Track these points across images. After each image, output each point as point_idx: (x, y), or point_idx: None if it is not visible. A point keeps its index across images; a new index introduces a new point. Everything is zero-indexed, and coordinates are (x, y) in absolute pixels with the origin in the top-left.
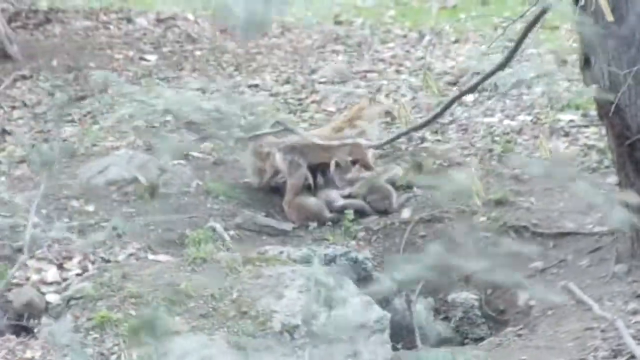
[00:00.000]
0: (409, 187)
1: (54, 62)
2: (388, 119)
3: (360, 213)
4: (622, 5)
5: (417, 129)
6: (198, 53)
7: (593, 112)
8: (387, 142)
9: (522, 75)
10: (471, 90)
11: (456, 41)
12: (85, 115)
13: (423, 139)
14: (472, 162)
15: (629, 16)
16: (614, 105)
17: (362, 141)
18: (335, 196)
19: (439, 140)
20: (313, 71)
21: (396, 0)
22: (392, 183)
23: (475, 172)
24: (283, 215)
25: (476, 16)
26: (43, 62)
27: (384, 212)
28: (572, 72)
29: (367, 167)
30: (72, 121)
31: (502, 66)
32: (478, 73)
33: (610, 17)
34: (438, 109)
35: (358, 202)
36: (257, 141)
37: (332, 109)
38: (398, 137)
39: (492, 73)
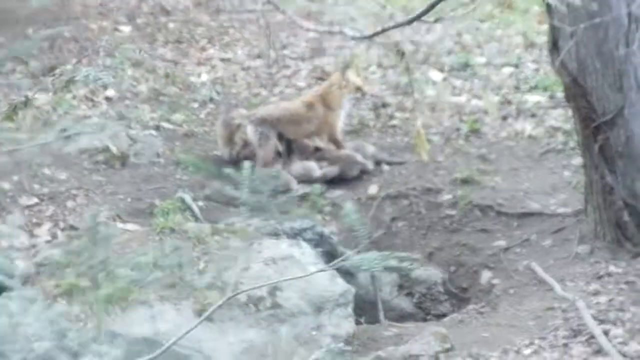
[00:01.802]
0: (377, 163)
1: (30, 31)
2: (358, 95)
3: (334, 182)
4: None
5: (397, 26)
6: (171, 25)
7: (560, 94)
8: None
9: (491, 56)
10: None
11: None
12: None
13: (391, 117)
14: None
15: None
16: (580, 88)
17: None
18: (313, 166)
19: (407, 119)
20: (284, 46)
21: None
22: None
23: (420, 125)
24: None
25: None
26: (19, 30)
27: (358, 177)
28: (540, 54)
29: (336, 143)
30: (46, 90)
31: None
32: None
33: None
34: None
35: (334, 170)
36: (228, 113)
37: (302, 84)
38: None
39: None
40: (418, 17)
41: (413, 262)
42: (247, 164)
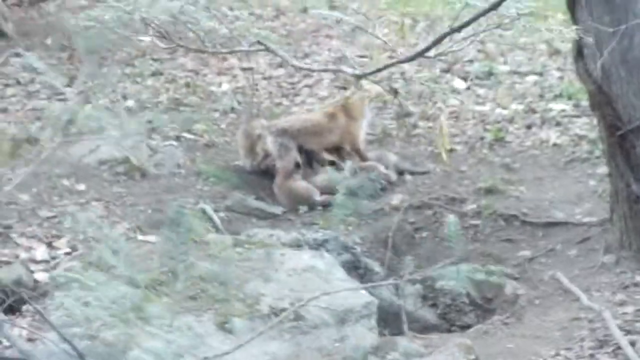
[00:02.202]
0: (400, 173)
1: (49, 41)
2: (380, 104)
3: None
4: None
5: (402, 62)
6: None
7: (585, 103)
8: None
9: (515, 64)
10: (464, 26)
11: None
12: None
13: (415, 126)
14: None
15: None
16: (605, 96)
17: None
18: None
19: (430, 128)
20: (306, 55)
21: None
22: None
23: (444, 121)
24: (273, 199)
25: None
26: (37, 40)
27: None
28: (564, 62)
29: (358, 153)
30: (65, 100)
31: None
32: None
33: None
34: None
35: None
36: (249, 123)
37: (324, 93)
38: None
39: (487, 11)
40: (421, 54)
41: (502, 276)
42: (349, 164)
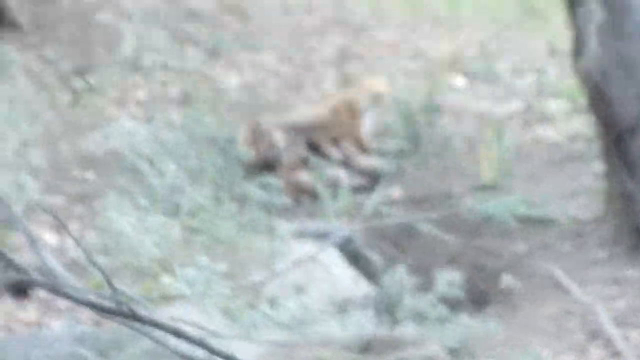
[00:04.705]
0: (401, 167)
1: (61, 33)
2: (379, 102)
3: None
4: None
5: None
6: (201, 29)
7: (582, 101)
8: None
9: (514, 62)
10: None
11: (454, 26)
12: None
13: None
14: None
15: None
16: (603, 96)
17: None
18: (342, 175)
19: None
20: (312, 51)
21: None
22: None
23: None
24: (278, 191)
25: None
26: (50, 32)
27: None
28: (563, 61)
29: (362, 147)
30: (76, 91)
31: None
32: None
33: None
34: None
35: (361, 181)
36: (254, 117)
37: (328, 88)
38: None
39: None
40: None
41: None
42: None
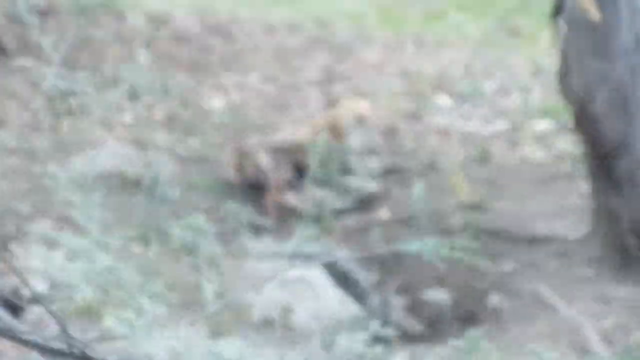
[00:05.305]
0: (387, 187)
1: (50, 56)
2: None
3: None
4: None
5: None
6: (186, 51)
7: (568, 120)
8: None
9: (500, 82)
10: None
11: (438, 46)
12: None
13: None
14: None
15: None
16: (588, 115)
17: None
18: (328, 196)
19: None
20: (297, 71)
21: (378, 6)
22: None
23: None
24: (264, 212)
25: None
26: (38, 55)
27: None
28: (548, 80)
29: (347, 166)
30: (61, 114)
31: None
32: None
33: (596, 17)
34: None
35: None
36: (240, 138)
37: (313, 109)
38: None
39: None
40: None
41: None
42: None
